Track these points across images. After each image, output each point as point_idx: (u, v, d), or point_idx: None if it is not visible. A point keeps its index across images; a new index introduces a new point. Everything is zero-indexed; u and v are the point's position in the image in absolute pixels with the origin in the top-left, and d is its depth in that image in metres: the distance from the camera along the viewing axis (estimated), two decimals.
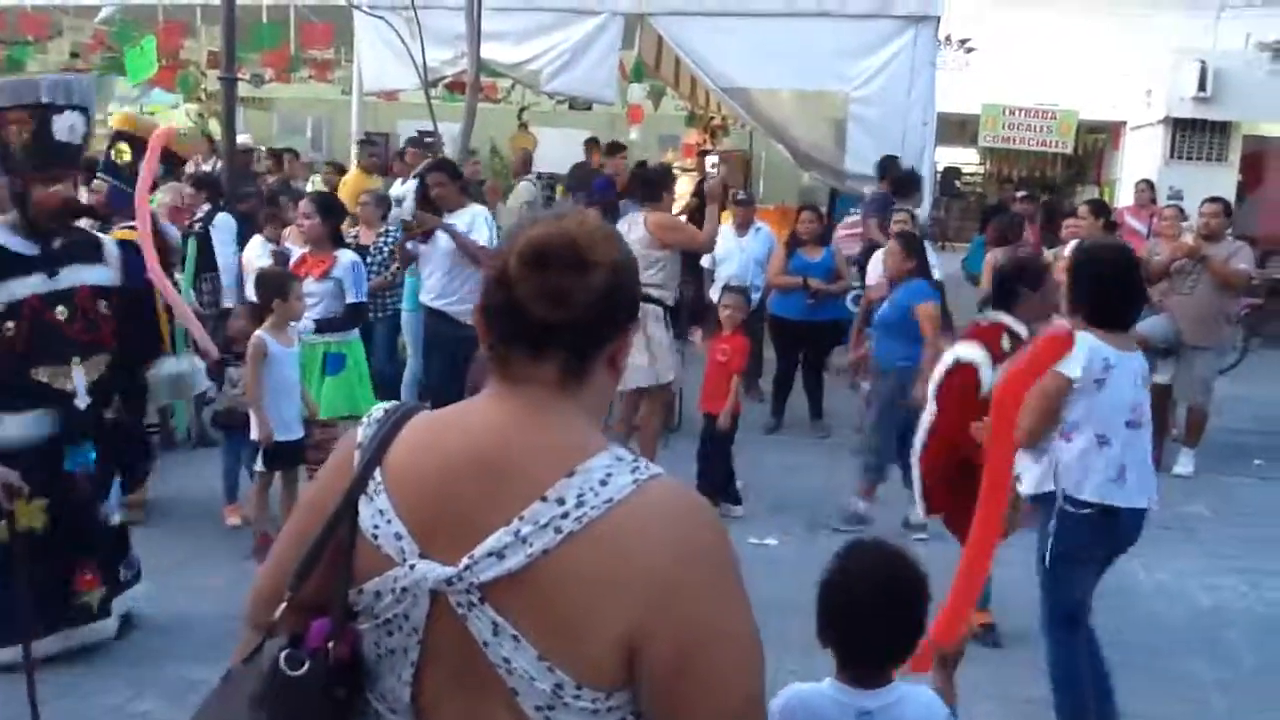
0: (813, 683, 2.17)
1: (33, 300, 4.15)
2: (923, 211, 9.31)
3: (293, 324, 5.54)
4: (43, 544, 4.05)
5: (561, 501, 1.34)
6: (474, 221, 6.79)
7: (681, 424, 7.79)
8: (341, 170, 11.33)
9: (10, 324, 4.10)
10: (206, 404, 6.97)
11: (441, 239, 6.75)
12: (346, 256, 6.27)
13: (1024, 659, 4.28)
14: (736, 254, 8.61)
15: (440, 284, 6.83)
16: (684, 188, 12.50)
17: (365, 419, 1.53)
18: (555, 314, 1.38)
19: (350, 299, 6.12)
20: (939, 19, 9.55)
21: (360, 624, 1.45)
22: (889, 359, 6.23)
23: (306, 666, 1.41)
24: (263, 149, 12.73)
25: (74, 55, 13.43)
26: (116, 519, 4.58)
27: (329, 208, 6.42)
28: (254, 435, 5.44)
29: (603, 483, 1.35)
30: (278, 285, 5.50)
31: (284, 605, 1.47)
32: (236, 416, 5.83)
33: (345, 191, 10.10)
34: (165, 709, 4.01)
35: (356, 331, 6.33)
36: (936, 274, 8.19)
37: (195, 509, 6.09)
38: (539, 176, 13.38)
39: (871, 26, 9.37)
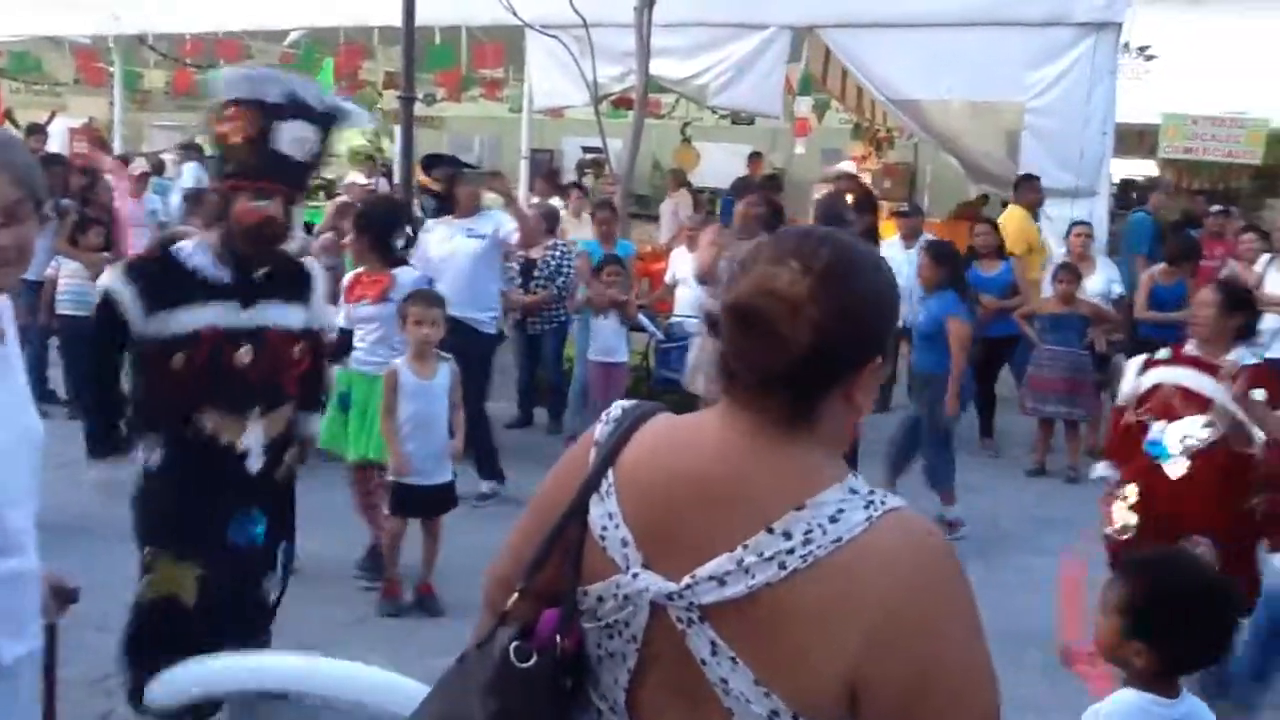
0: (1112, 700, 2.30)
1: (212, 332, 3.49)
2: (1100, 225, 8.99)
3: (439, 354, 5.00)
4: (192, 619, 3.46)
5: (788, 536, 1.31)
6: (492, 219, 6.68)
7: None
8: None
9: (180, 355, 3.45)
10: None
11: (463, 244, 6.50)
12: (408, 275, 5.49)
13: None
14: (905, 266, 8.45)
15: (460, 290, 6.21)
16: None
17: (604, 416, 1.53)
18: (751, 376, 1.37)
19: None
20: (1120, 25, 9.21)
21: (584, 623, 1.47)
22: (925, 366, 6.46)
23: (534, 660, 1.43)
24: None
25: None
26: (273, 596, 3.84)
27: (370, 220, 5.61)
28: (389, 475, 4.97)
29: (832, 519, 1.32)
30: (401, 309, 5.03)
31: (516, 596, 1.50)
32: None
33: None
34: None
35: None
36: (1118, 288, 7.98)
37: None
38: (700, 191, 13.48)
39: (1049, 35, 9.08)
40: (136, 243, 8.41)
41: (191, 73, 13.21)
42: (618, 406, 1.55)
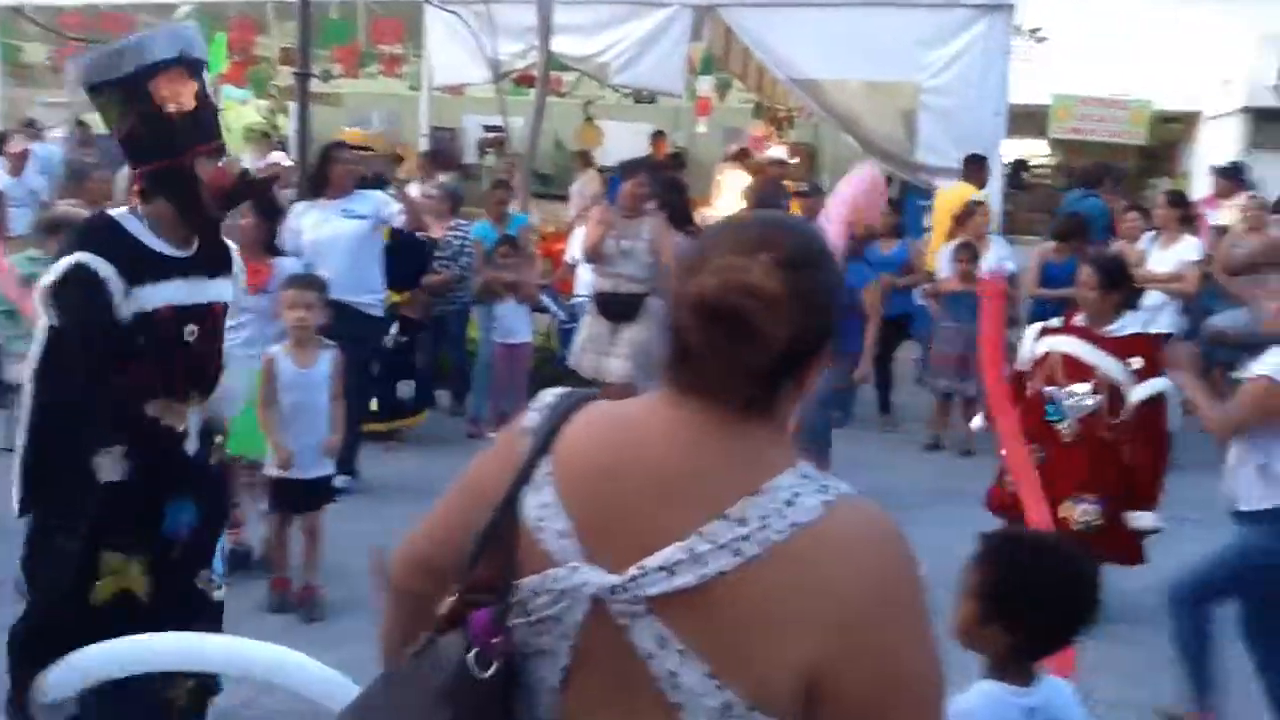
0: (971, 692, 2.18)
1: (166, 312, 3.20)
2: (994, 204, 9.20)
3: (322, 341, 4.80)
4: (145, 613, 3.20)
5: (743, 522, 1.28)
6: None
7: None
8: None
9: (141, 337, 3.16)
10: None
11: (342, 226, 6.20)
12: (289, 265, 5.40)
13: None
14: None
15: (344, 274, 5.89)
16: (745, 181, 12.46)
17: (534, 403, 1.47)
18: (720, 368, 1.32)
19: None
20: (1013, 7, 9.44)
21: (512, 619, 1.38)
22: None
23: (495, 667, 1.36)
24: None
25: None
26: (220, 593, 3.54)
27: (270, 204, 5.37)
28: (271, 469, 4.78)
29: (789, 503, 1.29)
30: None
31: (453, 600, 1.42)
32: None
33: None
34: None
35: None
36: (1010, 265, 8.19)
37: None
38: (604, 170, 13.44)
39: (945, 15, 9.27)
40: (15, 225, 8.08)
41: (75, 47, 12.74)
42: (549, 393, 1.48)
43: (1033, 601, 2.15)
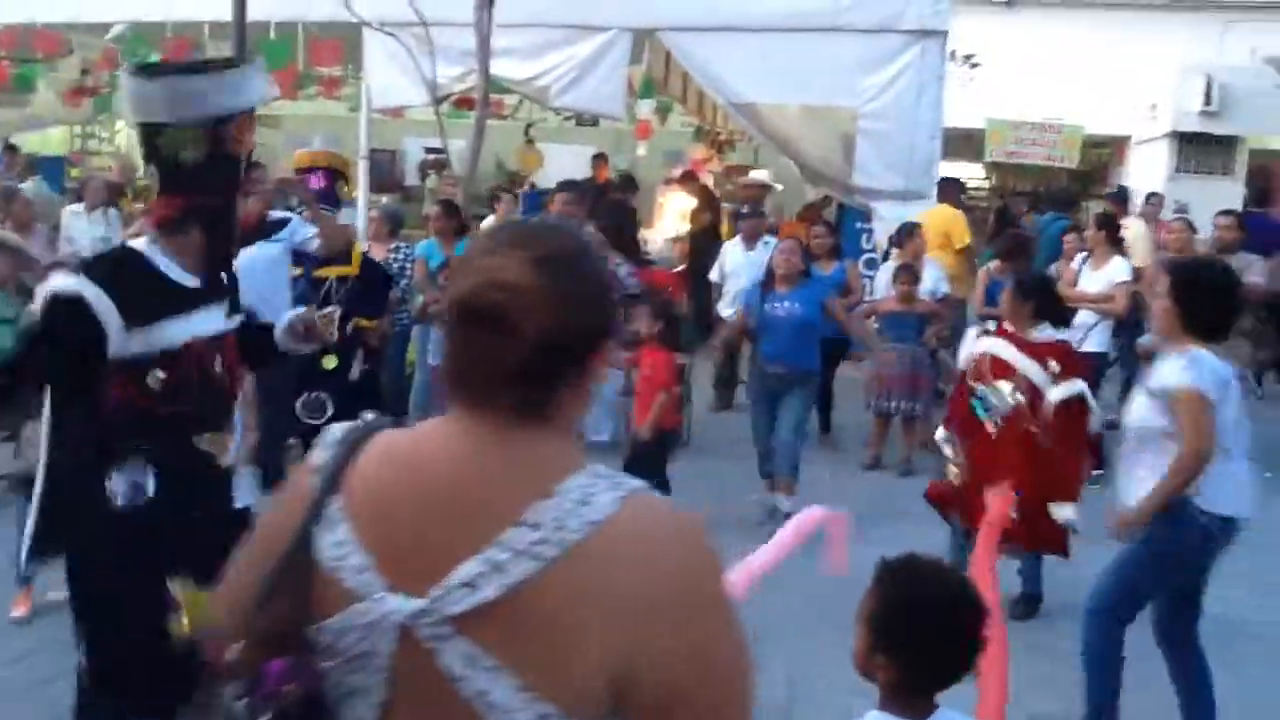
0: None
1: (198, 345, 3.13)
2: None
3: None
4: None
5: (537, 526, 1.28)
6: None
7: (690, 438, 7.82)
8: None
9: (157, 372, 3.04)
10: None
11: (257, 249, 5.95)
12: None
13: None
14: (746, 268, 8.61)
15: (258, 299, 5.52)
16: (686, 204, 12.53)
17: (322, 440, 1.45)
18: (487, 373, 1.33)
19: None
20: (946, 33, 9.59)
21: (322, 662, 1.36)
22: (800, 363, 6.60)
23: (267, 718, 1.33)
24: None
25: (84, 73, 13.49)
26: None
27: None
28: None
29: (582, 503, 1.29)
30: None
31: (240, 646, 1.39)
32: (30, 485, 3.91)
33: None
34: None
35: None
36: (945, 287, 8.31)
37: None
38: (543, 193, 13.44)
39: (880, 41, 9.40)
40: None
41: (6, 65, 12.50)
42: (337, 429, 1.46)
43: (911, 632, 2.08)
